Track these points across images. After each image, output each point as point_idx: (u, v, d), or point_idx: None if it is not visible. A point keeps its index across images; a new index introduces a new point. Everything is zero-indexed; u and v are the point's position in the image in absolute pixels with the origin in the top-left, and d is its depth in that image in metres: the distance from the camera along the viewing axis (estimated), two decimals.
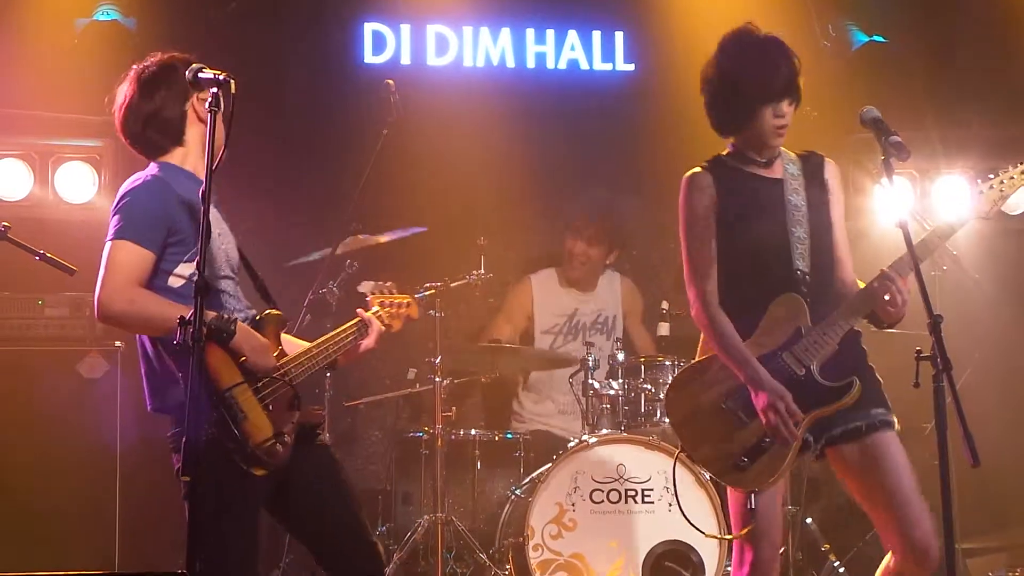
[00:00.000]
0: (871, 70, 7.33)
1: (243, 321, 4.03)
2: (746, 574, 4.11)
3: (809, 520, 6.42)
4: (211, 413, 3.78)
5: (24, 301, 6.50)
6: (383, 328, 4.48)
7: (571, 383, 6.34)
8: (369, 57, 7.61)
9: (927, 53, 7.51)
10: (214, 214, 4.12)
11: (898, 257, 3.99)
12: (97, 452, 6.28)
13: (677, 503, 4.76)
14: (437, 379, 6.20)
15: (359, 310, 4.48)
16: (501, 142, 7.26)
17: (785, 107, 4.13)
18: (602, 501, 5.86)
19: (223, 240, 4.14)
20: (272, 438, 3.90)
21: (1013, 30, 7.25)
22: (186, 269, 3.94)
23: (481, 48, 7.69)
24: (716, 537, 5.53)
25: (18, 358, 6.40)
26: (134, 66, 4.16)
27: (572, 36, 7.78)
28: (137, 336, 4.07)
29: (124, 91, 4.14)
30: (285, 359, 4.09)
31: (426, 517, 6.17)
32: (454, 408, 6.42)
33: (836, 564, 6.34)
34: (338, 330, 4.37)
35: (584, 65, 7.79)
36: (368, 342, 4.42)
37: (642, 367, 6.29)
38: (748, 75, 4.13)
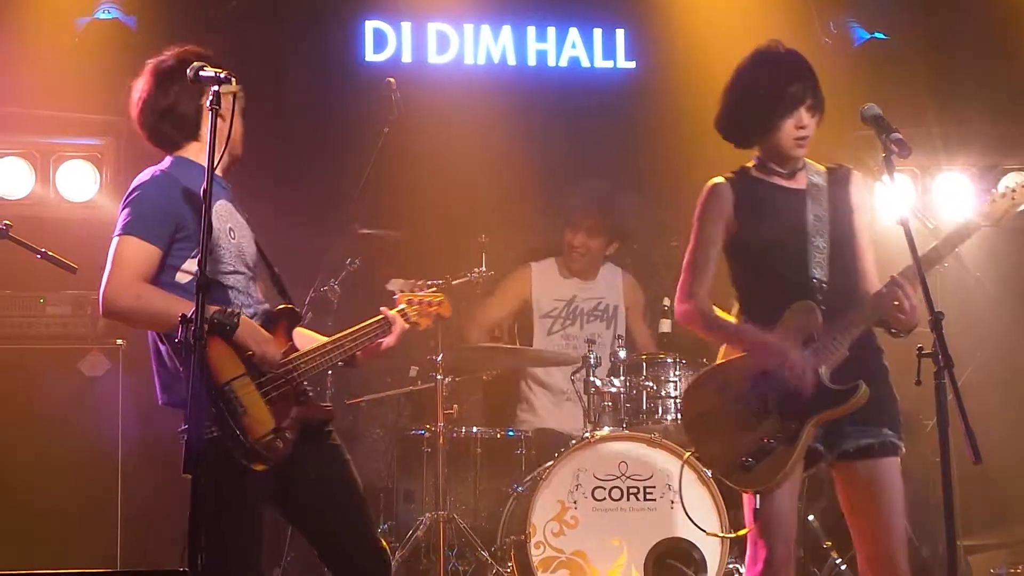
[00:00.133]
0: (872, 67, 7.33)
1: (255, 316, 4.03)
2: (759, 571, 4.15)
3: (811, 517, 6.42)
4: (210, 409, 3.78)
5: (25, 299, 6.50)
6: (406, 326, 4.44)
7: (573, 380, 6.34)
8: (370, 55, 7.61)
9: (928, 50, 7.50)
10: (230, 208, 4.14)
11: (908, 264, 3.99)
12: (98, 450, 6.28)
13: (682, 504, 4.82)
14: (439, 377, 6.20)
15: (383, 308, 4.44)
16: (502, 140, 7.26)
17: (806, 118, 4.18)
18: (604, 499, 5.86)
19: (236, 234, 4.13)
20: (271, 433, 3.89)
21: (1014, 27, 7.24)
22: (194, 265, 3.92)
23: (482, 46, 7.69)
24: (718, 536, 5.55)
25: (19, 356, 6.40)
26: (150, 60, 4.16)
27: (573, 34, 7.78)
28: (148, 332, 4.07)
29: (141, 85, 4.15)
30: (295, 354, 4.08)
31: (428, 515, 6.18)
32: (456, 406, 6.42)
33: (838, 561, 6.34)
34: (358, 326, 4.33)
35: (585, 63, 7.79)
36: (389, 340, 4.38)
37: (644, 364, 6.29)
38: (763, 84, 4.18)
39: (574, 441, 5.98)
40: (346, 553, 4.15)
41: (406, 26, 7.64)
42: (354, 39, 7.62)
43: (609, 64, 7.80)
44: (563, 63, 7.77)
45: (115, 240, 3.95)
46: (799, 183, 4.28)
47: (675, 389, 6.25)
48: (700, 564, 5.73)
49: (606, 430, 6.02)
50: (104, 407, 6.34)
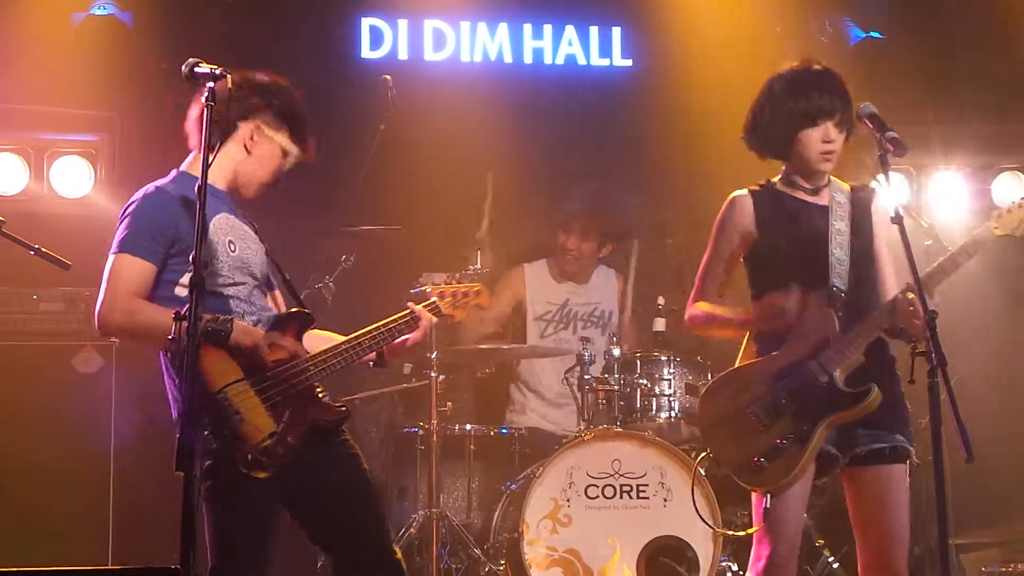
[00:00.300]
0: (868, 66, 7.32)
1: (259, 323, 4.03)
2: (762, 568, 4.20)
3: (803, 516, 6.41)
4: (205, 417, 3.74)
5: (19, 296, 6.50)
6: (434, 321, 4.37)
7: (567, 378, 6.34)
8: (366, 52, 7.60)
9: (924, 49, 7.51)
10: (232, 222, 4.14)
11: (925, 272, 4.03)
12: (91, 446, 6.28)
13: (694, 506, 4.93)
14: (432, 374, 6.20)
15: (409, 303, 4.37)
16: (498, 137, 7.25)
17: (833, 132, 4.22)
18: (597, 496, 5.86)
19: (238, 247, 4.11)
20: (269, 438, 3.85)
21: (1010, 26, 7.25)
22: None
23: (478, 43, 7.68)
24: (728, 534, 5.61)
25: (12, 353, 6.40)
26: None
27: (569, 31, 7.78)
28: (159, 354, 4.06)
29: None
30: (301, 357, 4.04)
31: (421, 512, 6.17)
32: (449, 403, 6.40)
33: (830, 559, 6.35)
34: (381, 322, 4.26)
35: (581, 60, 7.79)
36: (415, 336, 4.31)
37: (638, 362, 6.29)
38: (794, 93, 4.23)
39: (567, 439, 5.98)
40: (359, 563, 4.08)
41: (402, 23, 7.63)
42: (350, 36, 7.60)
43: (605, 62, 7.79)
44: (559, 61, 7.76)
45: (110, 258, 3.99)
46: (822, 199, 4.34)
47: (669, 387, 6.25)
48: (692, 562, 5.74)
49: (600, 428, 6.01)
50: (97, 403, 6.34)
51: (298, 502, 4.07)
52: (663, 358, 6.31)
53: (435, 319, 4.38)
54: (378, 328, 4.23)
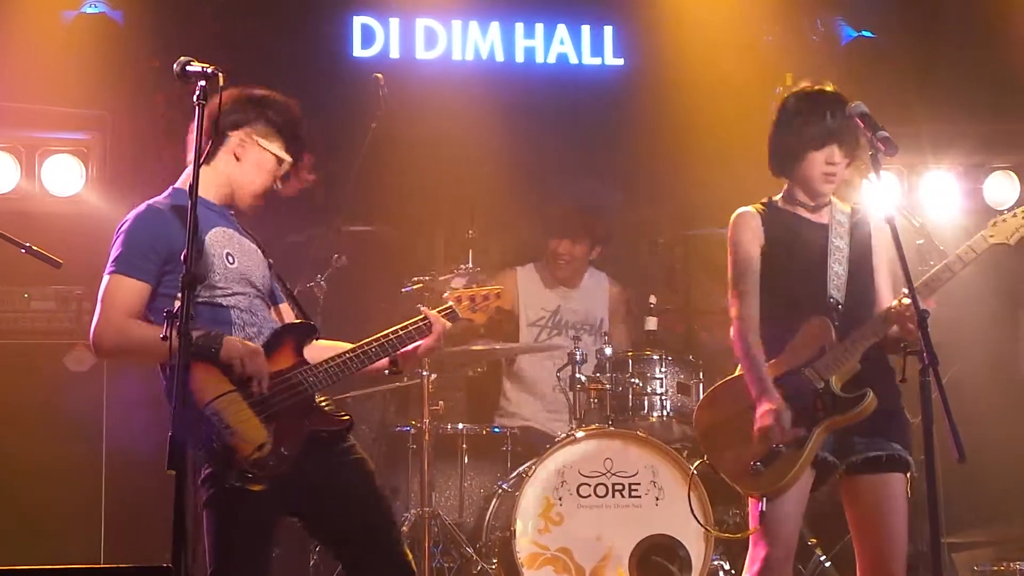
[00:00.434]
0: (859, 65, 7.34)
1: (260, 334, 4.01)
2: (758, 571, 4.26)
3: (800, 519, 6.41)
4: (196, 430, 3.74)
5: (10, 294, 6.49)
6: (448, 326, 4.25)
7: (558, 377, 6.34)
8: (358, 51, 7.59)
9: (915, 48, 7.52)
10: (229, 234, 4.12)
11: (920, 281, 4.08)
12: (84, 444, 6.27)
13: (691, 511, 4.99)
14: (424, 373, 6.19)
15: (423, 307, 4.29)
16: (490, 136, 7.25)
17: (837, 155, 4.29)
18: (589, 495, 5.86)
19: (236, 259, 4.09)
20: (258, 450, 3.81)
21: (1000, 26, 7.26)
22: None
23: (470, 42, 7.68)
24: (725, 537, 5.65)
25: (4, 351, 6.40)
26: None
27: (561, 30, 7.78)
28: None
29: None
30: (300, 368, 3.99)
31: (413, 511, 6.18)
32: (441, 402, 6.40)
33: (822, 558, 6.35)
34: (392, 329, 4.17)
35: (573, 59, 7.79)
36: (428, 342, 4.19)
37: (630, 361, 6.29)
38: (803, 114, 4.31)
39: (559, 438, 5.98)
40: (365, 564, 4.05)
41: (394, 22, 7.63)
42: (342, 34, 7.60)
43: (597, 61, 7.79)
44: (551, 60, 7.76)
45: (104, 279, 3.98)
46: (823, 217, 4.41)
47: (661, 386, 6.26)
48: (684, 561, 5.74)
49: (592, 427, 6.01)
50: (89, 402, 6.33)
51: (303, 509, 4.05)
52: (655, 357, 6.31)
53: (449, 324, 4.27)
54: (387, 335, 4.15)
